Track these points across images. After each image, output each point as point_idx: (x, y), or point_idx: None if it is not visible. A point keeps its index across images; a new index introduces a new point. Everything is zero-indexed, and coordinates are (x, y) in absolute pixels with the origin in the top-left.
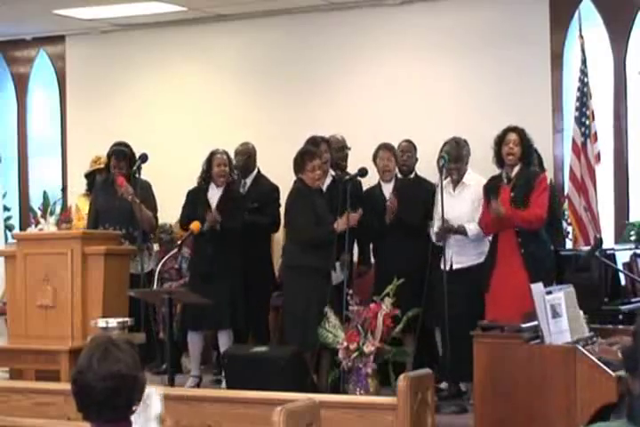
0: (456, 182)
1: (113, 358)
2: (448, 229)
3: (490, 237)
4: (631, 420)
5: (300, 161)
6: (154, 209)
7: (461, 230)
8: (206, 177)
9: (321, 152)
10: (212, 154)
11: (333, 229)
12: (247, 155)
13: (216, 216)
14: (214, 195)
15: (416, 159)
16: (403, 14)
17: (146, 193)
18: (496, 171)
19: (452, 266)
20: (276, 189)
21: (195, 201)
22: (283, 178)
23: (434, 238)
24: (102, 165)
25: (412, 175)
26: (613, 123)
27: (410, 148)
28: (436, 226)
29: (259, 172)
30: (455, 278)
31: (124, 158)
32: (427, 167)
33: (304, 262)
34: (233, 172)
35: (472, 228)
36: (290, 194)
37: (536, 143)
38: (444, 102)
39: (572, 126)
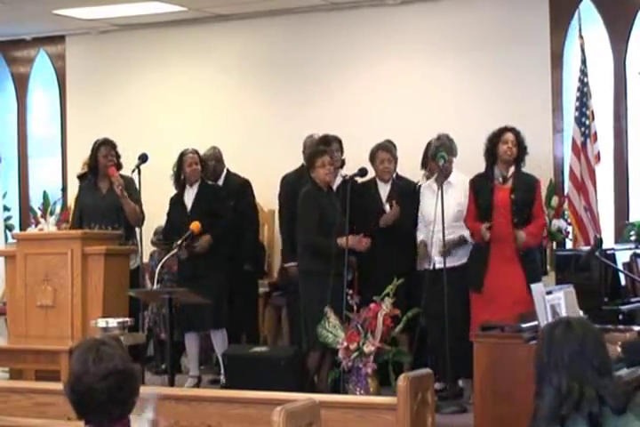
0: (441, 182)
1: (107, 356)
2: (454, 244)
3: None
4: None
5: (310, 159)
6: (139, 203)
7: (462, 240)
8: (179, 180)
9: (331, 151)
10: (182, 155)
11: (337, 243)
12: (216, 159)
13: (204, 244)
14: (189, 196)
15: (396, 158)
16: (403, 14)
17: (131, 188)
18: None
19: (434, 266)
20: (246, 183)
21: (173, 207)
22: (282, 176)
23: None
24: (87, 169)
25: (394, 176)
26: (613, 123)
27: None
28: (421, 233)
29: (228, 171)
30: (439, 278)
31: (113, 148)
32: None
33: (315, 267)
34: (205, 169)
35: (469, 234)
36: (300, 197)
37: (536, 143)
38: (443, 102)
39: (572, 126)
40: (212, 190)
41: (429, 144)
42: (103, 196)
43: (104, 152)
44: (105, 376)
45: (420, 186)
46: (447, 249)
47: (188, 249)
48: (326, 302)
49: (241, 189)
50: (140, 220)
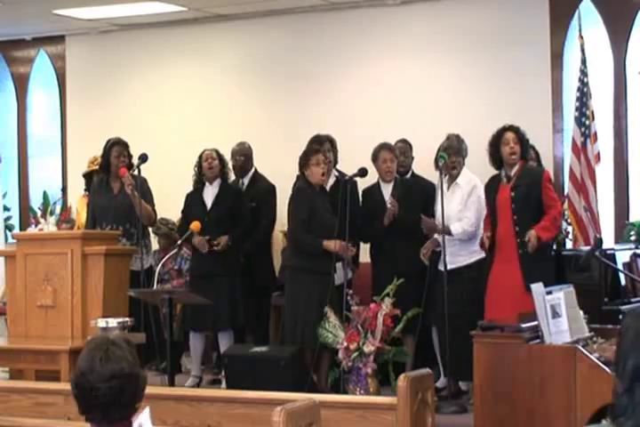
0: (450, 182)
1: (115, 357)
2: (434, 230)
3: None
4: (613, 420)
5: (305, 157)
6: (151, 203)
7: (446, 231)
8: (199, 176)
9: (324, 150)
10: (202, 153)
11: (322, 244)
12: (244, 155)
13: (225, 242)
14: (209, 194)
15: (412, 158)
16: (403, 14)
17: (143, 187)
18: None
19: (445, 267)
20: (272, 188)
21: (191, 204)
22: (282, 176)
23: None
24: (97, 167)
25: (409, 175)
26: (613, 123)
27: (406, 148)
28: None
29: (256, 171)
30: (450, 279)
31: (125, 148)
32: (427, 166)
33: (302, 263)
34: (225, 167)
35: (455, 228)
36: (292, 193)
37: (536, 143)
38: (444, 102)
39: (572, 126)
40: (234, 191)
41: (444, 141)
42: (115, 196)
43: (116, 153)
44: (109, 378)
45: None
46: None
47: (206, 246)
48: (312, 301)
49: (267, 193)
50: (153, 219)
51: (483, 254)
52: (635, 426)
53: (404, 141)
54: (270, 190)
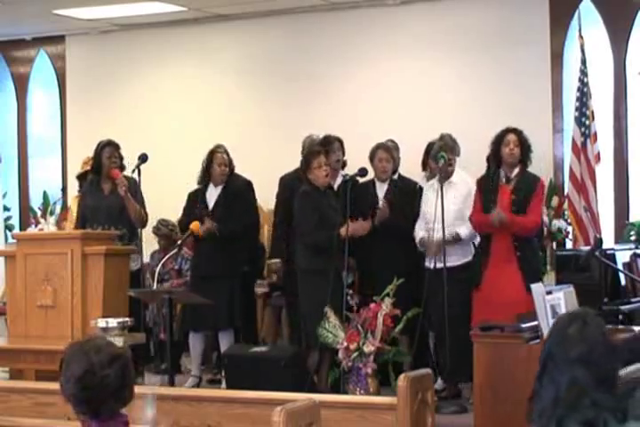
0: (443, 181)
1: (103, 346)
2: (446, 242)
3: (477, 239)
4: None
5: (306, 161)
6: (142, 204)
7: (457, 238)
8: (205, 176)
9: (327, 150)
10: (213, 153)
11: (338, 233)
12: None
13: (211, 225)
14: (212, 195)
15: (399, 159)
16: (403, 14)
17: (135, 188)
18: None
19: (435, 265)
20: (248, 184)
21: (194, 203)
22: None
23: (418, 242)
24: (89, 167)
25: (396, 176)
26: (613, 123)
27: (394, 148)
28: (421, 230)
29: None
30: (440, 279)
31: (116, 149)
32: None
33: (315, 266)
34: (232, 172)
35: (464, 231)
36: (297, 196)
37: (536, 143)
38: (443, 102)
39: (572, 126)
40: (235, 193)
41: (430, 145)
42: (105, 197)
43: (108, 154)
44: (111, 361)
45: (420, 187)
46: (438, 249)
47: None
48: (325, 302)
49: (243, 189)
50: (144, 221)
51: (471, 257)
52: (540, 409)
53: (392, 141)
54: (246, 187)
